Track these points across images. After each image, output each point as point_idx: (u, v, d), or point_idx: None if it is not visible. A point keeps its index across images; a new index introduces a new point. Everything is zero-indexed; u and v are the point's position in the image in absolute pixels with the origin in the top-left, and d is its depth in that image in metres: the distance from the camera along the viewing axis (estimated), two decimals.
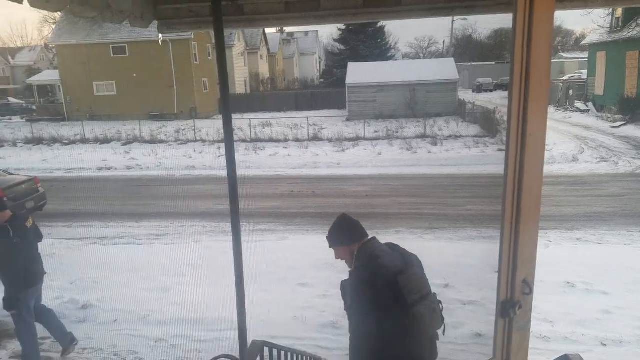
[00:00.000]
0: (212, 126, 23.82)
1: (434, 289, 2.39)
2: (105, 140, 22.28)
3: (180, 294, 5.90)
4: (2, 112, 38.77)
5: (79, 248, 8.10)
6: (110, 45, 30.52)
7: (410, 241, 8.11)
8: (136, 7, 3.00)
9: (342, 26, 39.81)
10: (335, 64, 42.07)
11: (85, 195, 13.06)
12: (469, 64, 55.48)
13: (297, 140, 20.65)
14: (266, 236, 8.81)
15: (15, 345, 4.81)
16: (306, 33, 63.39)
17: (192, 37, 29.79)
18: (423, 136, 20.05)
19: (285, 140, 20.67)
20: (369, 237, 2.45)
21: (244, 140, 20.75)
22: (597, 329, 4.87)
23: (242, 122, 23.54)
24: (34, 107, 35.92)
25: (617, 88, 23.06)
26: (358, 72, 28.15)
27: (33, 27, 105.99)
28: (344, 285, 2.33)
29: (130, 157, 18.67)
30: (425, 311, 2.21)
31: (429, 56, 60.91)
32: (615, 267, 6.39)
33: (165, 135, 23.23)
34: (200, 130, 22.70)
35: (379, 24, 39.20)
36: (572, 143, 17.55)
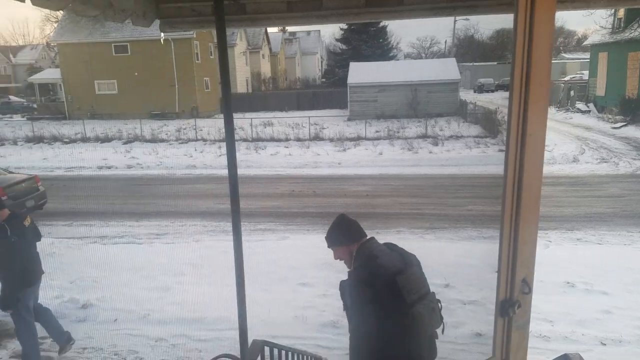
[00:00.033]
0: (213, 125, 23.83)
1: (434, 289, 2.40)
2: (106, 139, 22.29)
3: (181, 294, 5.90)
4: (3, 110, 38.81)
5: (79, 247, 8.11)
6: (112, 44, 30.55)
7: (411, 241, 8.12)
8: (138, 6, 3.00)
9: (344, 26, 39.80)
10: (337, 64, 42.06)
11: (86, 194, 13.07)
12: (471, 64, 55.42)
13: (298, 139, 20.66)
14: (267, 235, 8.81)
15: (15, 345, 4.81)
16: (308, 32, 63.35)
17: (194, 36, 29.80)
18: (424, 136, 20.05)
19: (287, 139, 20.68)
20: (368, 237, 2.45)
21: (245, 140, 20.76)
22: (597, 328, 4.87)
23: (244, 122, 23.55)
24: (35, 106, 35.94)
25: (618, 89, 23.03)
26: (360, 72, 28.15)
27: (35, 26, 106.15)
28: (342, 285, 2.34)
29: (131, 156, 18.68)
30: (424, 311, 2.21)
31: (430, 56, 60.85)
32: (615, 268, 6.39)
33: (166, 134, 23.23)
34: (201, 130, 22.71)
35: (381, 24, 39.18)
36: (572, 144, 17.53)
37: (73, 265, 6.99)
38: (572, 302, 5.44)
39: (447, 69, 27.68)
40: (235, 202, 2.09)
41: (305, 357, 3.68)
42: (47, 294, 5.82)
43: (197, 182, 14.45)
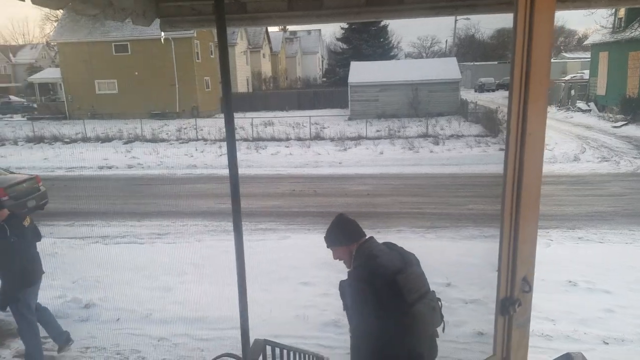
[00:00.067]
0: (214, 125, 23.83)
1: (435, 288, 2.39)
2: (107, 139, 22.29)
3: (183, 293, 5.91)
4: (3, 110, 38.85)
5: (81, 247, 8.12)
6: (112, 43, 30.55)
7: (412, 240, 8.11)
8: (138, 5, 3.00)
9: (345, 25, 39.81)
10: (338, 63, 42.06)
11: (87, 194, 13.08)
12: (472, 63, 55.36)
13: (299, 139, 20.65)
14: (268, 235, 8.81)
15: (18, 345, 4.81)
16: (309, 32, 63.34)
17: (195, 35, 29.79)
18: (425, 135, 20.04)
19: (287, 139, 20.68)
20: (367, 237, 2.45)
21: (245, 139, 20.76)
22: (599, 327, 4.86)
23: (244, 121, 23.54)
24: (35, 105, 35.96)
25: (619, 88, 23.00)
26: (360, 71, 28.13)
27: (35, 25, 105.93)
28: (342, 285, 2.33)
29: (132, 155, 18.68)
30: (425, 309, 2.21)
31: (431, 55, 60.80)
32: (617, 266, 6.38)
33: (167, 134, 23.24)
34: (201, 129, 22.71)
35: (382, 23, 39.17)
36: (573, 143, 17.52)
37: (75, 265, 7.00)
38: (574, 301, 5.44)
39: (448, 69, 27.67)
40: (236, 202, 2.09)
41: (306, 356, 3.68)
42: (50, 294, 5.84)
43: (197, 182, 14.46)
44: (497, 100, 32.82)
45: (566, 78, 35.89)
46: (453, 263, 6.31)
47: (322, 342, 4.83)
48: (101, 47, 30.51)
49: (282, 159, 17.34)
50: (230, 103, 2.09)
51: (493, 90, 45.03)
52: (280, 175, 14.93)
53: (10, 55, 65.00)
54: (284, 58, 56.28)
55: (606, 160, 14.73)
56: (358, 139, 20.06)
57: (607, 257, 6.93)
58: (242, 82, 39.72)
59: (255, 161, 16.87)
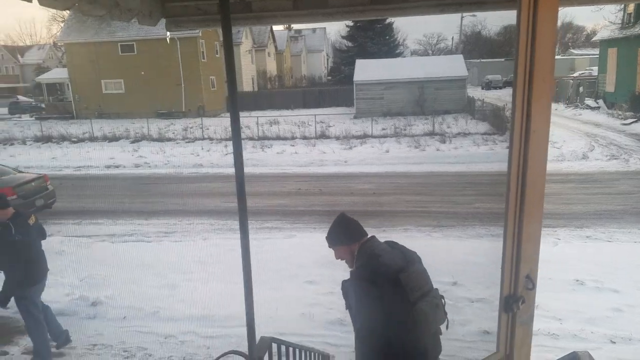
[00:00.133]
0: (220, 124, 23.90)
1: (442, 287, 2.39)
2: (114, 138, 22.43)
3: (189, 291, 5.94)
4: (12, 110, 39.22)
5: (88, 245, 8.18)
6: (119, 43, 30.72)
7: (419, 239, 8.10)
8: (144, 5, 3.01)
9: (350, 23, 39.72)
10: (343, 61, 42.01)
11: (94, 192, 13.17)
12: (478, 60, 55.07)
13: (304, 138, 20.65)
14: (274, 234, 8.83)
15: (27, 342, 4.87)
16: (314, 30, 63.23)
17: (200, 34, 29.86)
18: (431, 133, 19.96)
19: (293, 138, 20.69)
20: (369, 236, 2.45)
21: (251, 138, 20.80)
22: (606, 326, 4.83)
23: (250, 120, 23.59)
24: (43, 105, 36.24)
25: (628, 85, 22.77)
26: (366, 69, 28.06)
27: (42, 26, 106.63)
28: (345, 285, 2.34)
29: (139, 155, 18.79)
30: (428, 307, 2.21)
31: (437, 53, 60.59)
32: (625, 265, 6.33)
33: (173, 133, 23.34)
34: (207, 128, 22.79)
35: (387, 21, 39.07)
36: (582, 140, 17.38)
37: (83, 263, 7.05)
38: (582, 299, 5.40)
39: (454, 66, 27.53)
40: (242, 201, 2.10)
41: (312, 354, 3.69)
42: (58, 292, 5.90)
43: (203, 181, 14.51)
44: (504, 97, 32.56)
45: (574, 75, 35.59)
46: (459, 262, 6.29)
47: (328, 340, 4.84)
48: (107, 47, 30.68)
49: (287, 157, 17.35)
50: (236, 102, 2.10)
51: (500, 88, 44.75)
52: (285, 174, 14.95)
53: (18, 55, 65.62)
54: (289, 56, 56.28)
55: (615, 158, 14.60)
56: (364, 137, 20.03)
57: (616, 256, 6.88)
58: (247, 81, 39.79)
59: (260, 160, 16.90)
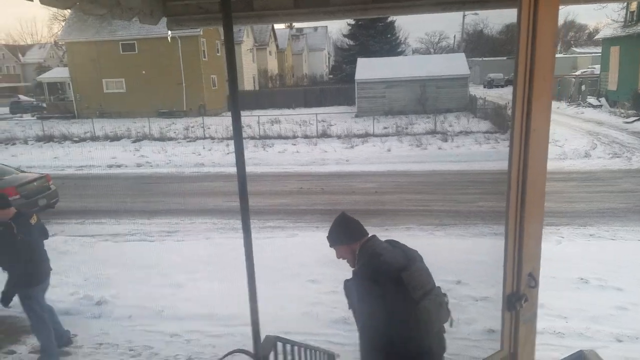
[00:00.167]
0: (221, 123, 23.91)
1: (445, 286, 2.38)
2: (115, 138, 22.46)
3: (193, 290, 5.95)
4: (13, 110, 39.33)
5: (92, 245, 8.19)
6: (120, 42, 30.74)
7: (421, 238, 8.09)
8: (145, 4, 3.00)
9: (352, 21, 39.63)
10: (345, 60, 41.90)
11: (97, 192, 13.19)
12: (480, 59, 54.94)
13: (305, 136, 20.64)
14: (276, 233, 8.82)
15: (34, 341, 4.88)
16: (315, 28, 63.20)
17: (201, 33, 29.88)
18: (433, 132, 19.93)
19: (294, 137, 20.68)
20: (370, 235, 2.45)
21: (252, 137, 20.80)
22: (611, 325, 4.82)
23: (251, 119, 23.59)
24: (45, 105, 36.32)
25: (630, 83, 22.70)
26: (367, 68, 28.02)
27: (43, 25, 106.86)
28: (347, 284, 2.35)
29: (140, 154, 18.81)
30: (431, 306, 2.21)
31: (439, 51, 60.50)
32: (629, 263, 6.31)
33: (175, 132, 23.36)
34: (209, 128, 22.79)
35: (389, 19, 38.96)
36: (584, 139, 17.33)
37: (87, 262, 7.06)
38: (586, 298, 5.39)
39: (456, 64, 27.47)
40: (244, 200, 2.09)
41: (317, 352, 3.68)
42: (62, 291, 5.91)
43: (205, 180, 14.52)
44: (506, 96, 32.51)
45: (577, 73, 35.49)
46: (462, 261, 6.28)
47: (332, 339, 4.83)
48: (108, 46, 30.71)
49: (289, 156, 17.35)
50: (237, 101, 2.09)
51: (502, 86, 44.68)
52: (287, 173, 14.94)
53: (19, 55, 65.75)
54: (290, 55, 56.27)
55: (618, 157, 14.56)
56: (365, 136, 20.01)
57: (619, 254, 6.85)
58: (248, 80, 39.78)
59: (262, 159, 16.90)
